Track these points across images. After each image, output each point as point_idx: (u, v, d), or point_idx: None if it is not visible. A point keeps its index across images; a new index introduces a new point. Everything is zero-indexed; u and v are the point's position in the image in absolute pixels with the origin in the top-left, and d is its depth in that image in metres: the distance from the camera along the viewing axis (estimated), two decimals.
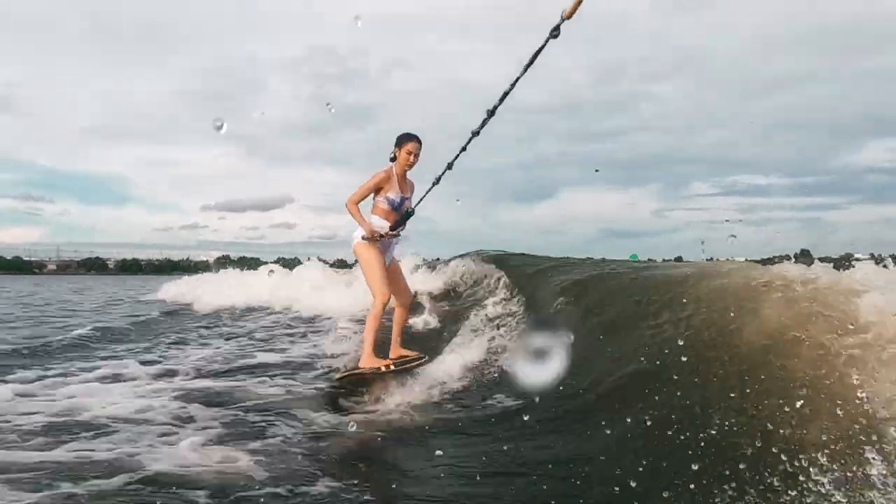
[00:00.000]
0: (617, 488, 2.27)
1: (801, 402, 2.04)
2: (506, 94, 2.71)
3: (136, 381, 4.58)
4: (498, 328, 5.43)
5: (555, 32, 2.18)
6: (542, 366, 4.01)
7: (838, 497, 1.60)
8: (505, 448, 2.86)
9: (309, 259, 13.52)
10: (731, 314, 2.97)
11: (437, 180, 4.01)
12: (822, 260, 2.73)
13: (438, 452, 2.89)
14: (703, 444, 2.25)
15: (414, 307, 5.32)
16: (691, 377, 2.75)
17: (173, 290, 17.52)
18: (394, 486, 2.56)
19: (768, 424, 2.08)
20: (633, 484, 2.23)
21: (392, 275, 4.29)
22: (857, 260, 2.75)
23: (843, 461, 1.70)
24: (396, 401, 3.88)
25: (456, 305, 7.14)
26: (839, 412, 1.89)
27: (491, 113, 2.95)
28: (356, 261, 4.32)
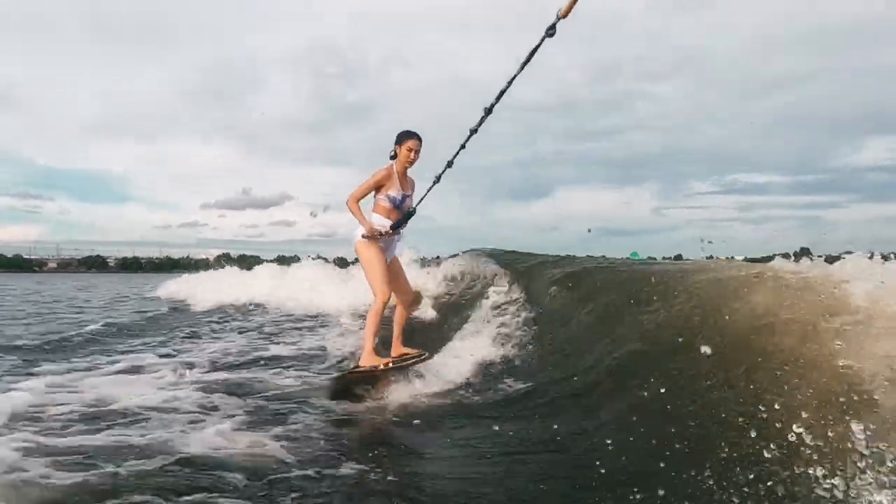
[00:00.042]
0: (617, 463, 2.41)
1: (789, 373, 2.16)
2: (502, 92, 2.70)
3: (157, 373, 4.68)
4: (499, 320, 5.56)
5: (550, 31, 2.16)
6: (541, 352, 4.16)
7: (819, 458, 1.72)
8: (514, 429, 3.02)
9: (309, 257, 13.58)
10: (722, 300, 3.08)
11: (438, 179, 4.00)
12: (828, 260, 2.78)
13: (453, 435, 3.04)
14: (695, 417, 2.38)
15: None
16: (684, 357, 2.87)
17: (176, 287, 17.48)
18: (413, 466, 2.71)
19: (757, 395, 2.21)
20: (632, 458, 2.37)
21: (393, 273, 4.23)
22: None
23: (826, 426, 1.83)
24: (409, 389, 4.00)
25: (456, 300, 7.27)
26: (824, 382, 2.01)
27: (488, 111, 2.94)
28: (356, 258, 4.26)
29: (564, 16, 2.08)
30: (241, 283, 13.69)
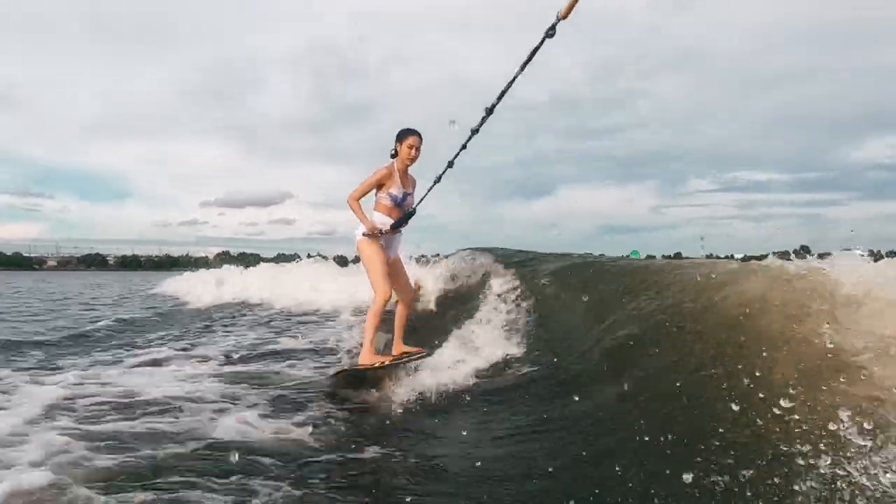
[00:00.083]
0: (620, 437, 2.53)
1: (775, 351, 2.26)
2: (503, 92, 2.65)
3: (177, 366, 4.78)
4: (499, 314, 5.68)
5: (550, 32, 2.12)
6: (541, 341, 4.27)
7: (806, 433, 1.84)
8: (523, 411, 3.16)
9: (309, 255, 13.67)
10: (712, 289, 3.20)
11: (438, 179, 3.95)
12: (820, 256, 2.76)
13: (466, 419, 3.18)
14: (687, 394, 2.49)
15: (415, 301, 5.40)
16: (676, 339, 2.99)
17: (179, 285, 17.51)
18: (433, 448, 2.84)
19: (746, 370, 2.31)
20: (631, 433, 2.47)
21: (394, 271, 4.17)
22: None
23: (810, 399, 1.95)
24: (418, 379, 4.05)
25: (456, 296, 7.38)
26: (808, 356, 2.12)
27: (489, 111, 2.87)
28: (357, 256, 4.19)
29: (564, 17, 2.04)
30: (245, 280, 13.76)
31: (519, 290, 6.06)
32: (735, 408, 2.13)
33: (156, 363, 4.91)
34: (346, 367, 4.20)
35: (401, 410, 3.41)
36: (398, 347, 4.23)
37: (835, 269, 2.42)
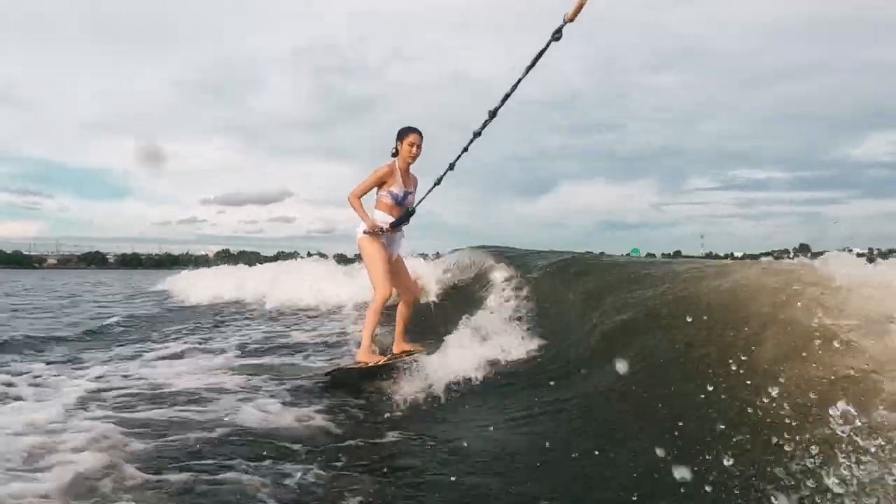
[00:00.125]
0: (621, 413, 2.67)
1: (764, 334, 2.35)
2: (507, 95, 2.60)
3: (195, 359, 4.89)
4: (499, 309, 5.80)
5: (557, 35, 2.09)
6: (540, 332, 4.37)
7: (793, 413, 1.92)
8: (532, 393, 3.29)
9: (309, 254, 13.74)
10: (701, 280, 3.31)
11: (439, 181, 3.92)
12: (813, 255, 2.75)
13: (477, 405, 3.31)
14: (679, 375, 2.60)
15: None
16: (667, 324, 3.09)
17: (183, 282, 17.48)
18: (449, 432, 2.96)
19: (733, 352, 2.41)
20: (628, 412, 2.61)
21: (396, 270, 4.14)
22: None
23: (793, 374, 2.03)
24: (426, 371, 4.09)
25: (455, 294, 7.49)
26: (794, 335, 2.21)
27: (493, 114, 2.81)
28: (357, 254, 4.18)
29: (571, 20, 2.01)
30: (249, 277, 13.79)
31: (519, 284, 6.18)
32: (722, 391, 2.25)
33: (175, 356, 5.02)
34: (340, 366, 4.12)
35: (414, 398, 3.51)
36: (399, 346, 4.23)
37: (825, 264, 2.51)
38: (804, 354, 2.08)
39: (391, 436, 2.94)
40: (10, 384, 3.72)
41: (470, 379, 3.60)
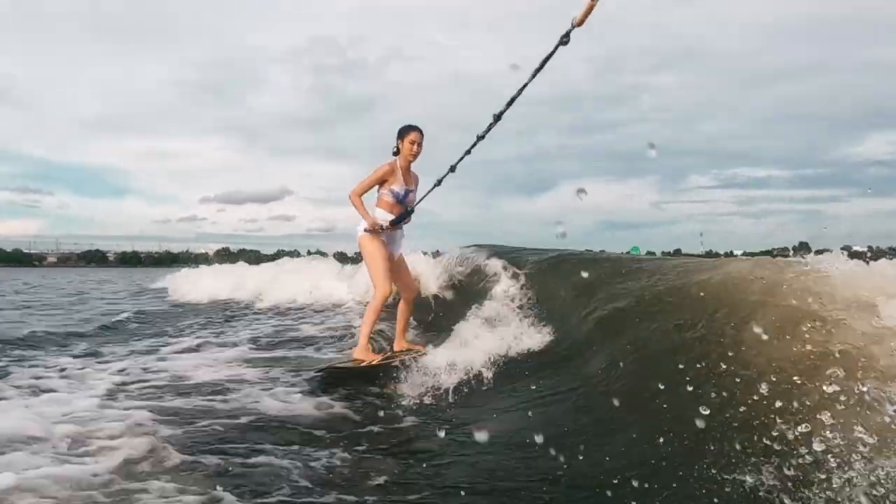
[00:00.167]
0: (612, 401, 2.72)
1: (754, 320, 2.40)
2: (513, 99, 2.58)
3: (212, 352, 4.98)
4: (499, 304, 5.91)
5: (565, 39, 2.04)
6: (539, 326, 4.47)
7: (774, 384, 1.98)
8: (540, 378, 3.42)
9: (309, 252, 13.80)
10: (695, 272, 3.43)
11: (439, 182, 3.88)
12: (819, 252, 2.73)
13: (486, 392, 3.43)
14: (669, 358, 2.68)
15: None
16: (660, 311, 3.22)
17: (186, 280, 17.44)
18: (464, 415, 3.09)
19: (720, 331, 2.56)
20: (620, 399, 2.74)
21: (397, 268, 4.10)
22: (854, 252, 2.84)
23: (778, 354, 2.13)
24: (439, 359, 4.04)
25: (455, 292, 7.56)
26: (780, 317, 2.30)
27: (497, 118, 2.78)
28: (357, 252, 4.12)
29: (579, 24, 1.96)
30: (252, 275, 13.84)
31: (519, 280, 6.30)
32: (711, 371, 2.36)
33: (190, 350, 5.11)
34: (333, 363, 4.04)
35: (426, 386, 3.60)
36: (400, 344, 4.23)
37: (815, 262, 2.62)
38: (789, 337, 2.17)
39: (408, 421, 3.06)
40: (39, 377, 3.82)
41: (478, 367, 3.69)
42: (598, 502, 2.05)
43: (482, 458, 2.45)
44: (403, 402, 3.41)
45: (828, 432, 1.76)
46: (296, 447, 2.66)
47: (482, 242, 8.91)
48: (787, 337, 2.19)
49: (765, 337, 2.19)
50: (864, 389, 1.78)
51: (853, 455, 1.67)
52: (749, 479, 1.81)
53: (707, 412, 2.02)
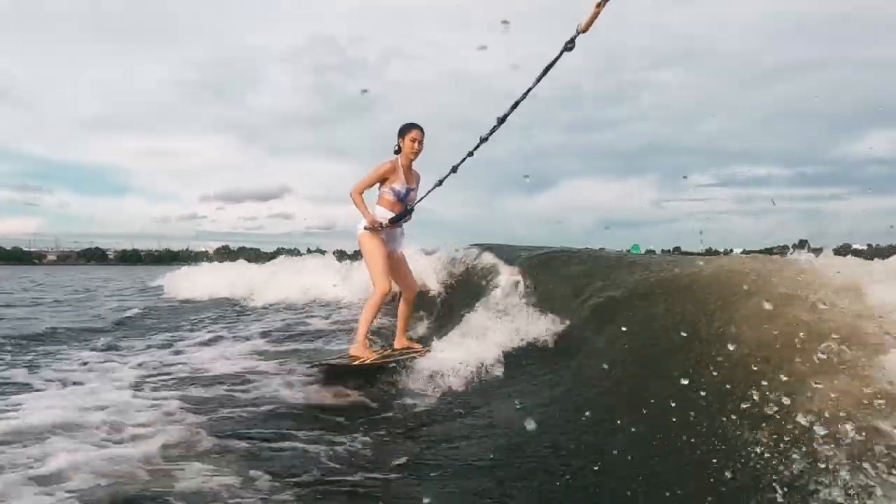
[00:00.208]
0: (610, 388, 2.87)
1: (746, 311, 2.44)
2: (517, 103, 2.56)
3: (227, 346, 5.07)
4: (499, 303, 6.01)
5: (570, 46, 2.03)
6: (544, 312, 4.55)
7: (776, 380, 1.96)
8: (548, 367, 3.53)
9: (309, 250, 13.82)
10: (687, 267, 3.48)
11: (440, 182, 3.87)
12: (818, 251, 2.75)
13: (493, 383, 3.56)
14: (662, 348, 2.78)
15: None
16: (653, 304, 3.26)
17: (189, 277, 17.37)
18: (476, 400, 3.22)
19: (708, 317, 2.63)
20: (617, 386, 2.84)
21: (397, 266, 4.10)
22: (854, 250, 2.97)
23: (764, 336, 2.16)
24: (447, 350, 4.06)
25: (454, 291, 7.64)
26: (765, 301, 2.32)
27: (501, 120, 2.77)
28: (357, 250, 4.12)
29: (584, 30, 1.95)
30: (256, 272, 13.87)
31: (519, 277, 6.40)
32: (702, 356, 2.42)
33: (205, 344, 5.21)
34: (328, 360, 3.99)
35: (438, 374, 3.71)
36: (400, 342, 4.24)
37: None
38: (768, 321, 2.22)
39: (421, 406, 3.19)
40: (66, 370, 3.92)
41: (488, 358, 3.80)
42: (619, 470, 2.11)
43: (500, 440, 2.56)
44: (414, 390, 3.53)
45: (830, 425, 1.68)
46: (318, 432, 2.78)
47: (481, 241, 9.02)
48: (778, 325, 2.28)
49: (757, 324, 2.28)
50: (864, 388, 1.73)
51: (855, 450, 1.59)
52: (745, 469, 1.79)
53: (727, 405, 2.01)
